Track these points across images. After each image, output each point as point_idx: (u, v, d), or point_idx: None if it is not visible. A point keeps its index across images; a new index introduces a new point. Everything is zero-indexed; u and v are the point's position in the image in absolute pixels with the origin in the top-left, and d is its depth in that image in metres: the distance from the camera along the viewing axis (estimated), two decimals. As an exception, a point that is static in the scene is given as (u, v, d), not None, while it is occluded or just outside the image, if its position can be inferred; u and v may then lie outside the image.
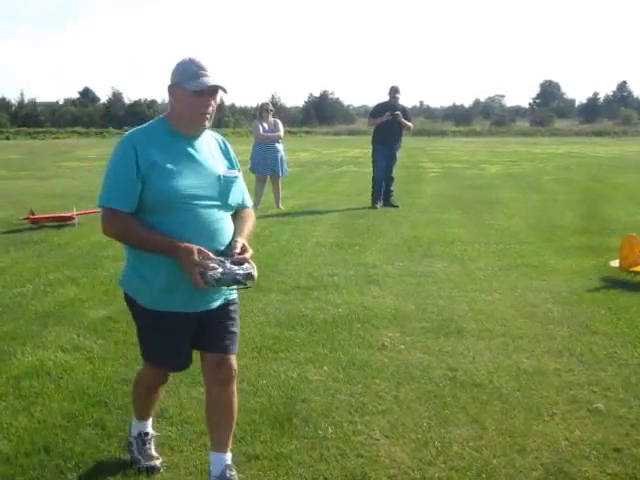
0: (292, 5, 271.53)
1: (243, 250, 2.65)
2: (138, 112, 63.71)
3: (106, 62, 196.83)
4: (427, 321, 5.16)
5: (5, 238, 8.78)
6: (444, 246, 8.08)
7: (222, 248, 2.69)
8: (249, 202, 2.98)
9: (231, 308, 2.86)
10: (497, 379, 4.04)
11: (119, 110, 68.33)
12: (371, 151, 12.17)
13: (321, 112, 78.21)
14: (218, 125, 55.19)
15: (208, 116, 2.68)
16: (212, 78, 2.65)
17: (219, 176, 2.73)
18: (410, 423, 3.48)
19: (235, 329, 2.88)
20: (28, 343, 4.66)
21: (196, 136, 2.72)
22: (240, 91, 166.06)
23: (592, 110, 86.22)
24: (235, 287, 2.70)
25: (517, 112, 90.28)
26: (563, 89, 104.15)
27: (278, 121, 11.67)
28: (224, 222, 2.75)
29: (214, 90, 2.68)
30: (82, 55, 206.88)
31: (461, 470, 3.03)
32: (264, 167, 11.42)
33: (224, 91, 2.69)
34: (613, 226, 9.52)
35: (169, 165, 2.62)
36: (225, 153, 2.86)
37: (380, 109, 11.92)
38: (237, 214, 2.89)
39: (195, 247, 2.55)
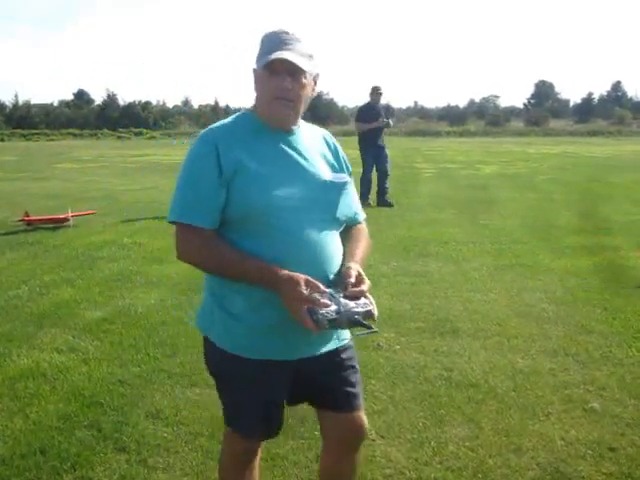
0: (286, 6, 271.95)
1: (359, 280, 2.00)
2: (133, 114, 63.55)
3: (106, 62, 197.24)
4: (422, 321, 5.16)
5: (0, 240, 8.76)
6: (439, 246, 8.09)
7: (331, 277, 2.06)
8: (362, 215, 2.33)
9: (343, 356, 2.22)
10: (492, 379, 4.05)
11: (114, 111, 68.08)
12: (360, 153, 12.29)
13: (316, 113, 77.93)
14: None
15: (289, 103, 2.02)
16: (288, 52, 1.98)
17: (325, 182, 2.11)
18: (406, 423, 3.49)
19: (355, 379, 2.25)
20: (23, 345, 4.65)
21: (292, 131, 2.10)
22: (235, 92, 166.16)
23: (586, 110, 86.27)
24: (352, 330, 2.08)
25: (512, 112, 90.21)
26: (557, 89, 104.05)
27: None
28: (333, 242, 2.11)
29: (292, 67, 1.98)
30: (82, 55, 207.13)
31: (457, 470, 3.04)
32: None
33: (299, 67, 1.99)
34: (609, 226, 9.54)
35: (260, 168, 2.01)
36: (333, 152, 2.26)
37: (368, 111, 12.08)
38: (347, 231, 2.24)
39: (302, 277, 1.91)
